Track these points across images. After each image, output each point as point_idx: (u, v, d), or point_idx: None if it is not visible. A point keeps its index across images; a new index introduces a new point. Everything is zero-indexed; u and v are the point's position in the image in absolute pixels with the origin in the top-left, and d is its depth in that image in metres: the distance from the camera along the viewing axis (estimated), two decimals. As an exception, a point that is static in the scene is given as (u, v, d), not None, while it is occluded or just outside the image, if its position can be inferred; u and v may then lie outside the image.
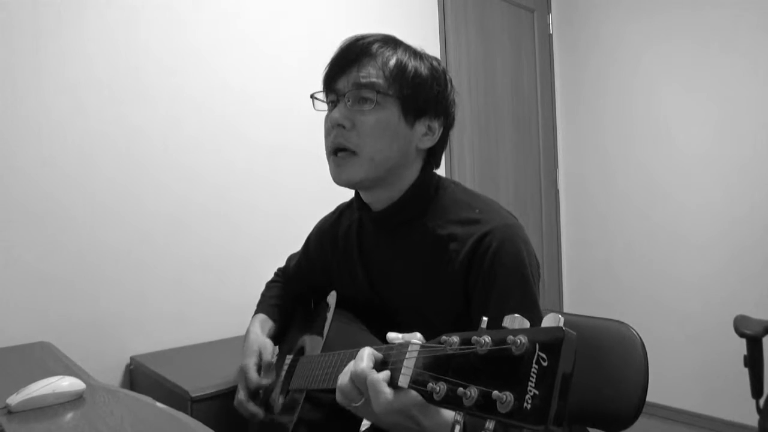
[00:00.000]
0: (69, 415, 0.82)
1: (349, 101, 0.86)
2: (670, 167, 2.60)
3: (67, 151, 1.45)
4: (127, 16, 1.55)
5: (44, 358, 1.19)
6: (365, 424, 0.95)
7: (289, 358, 1.10)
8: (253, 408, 1.01)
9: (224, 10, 1.75)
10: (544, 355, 0.41)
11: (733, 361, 1.72)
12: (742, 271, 2.39)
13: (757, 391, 1.53)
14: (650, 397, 1.04)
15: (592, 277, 2.93)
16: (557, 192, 3.03)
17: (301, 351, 1.06)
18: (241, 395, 1.02)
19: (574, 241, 3.00)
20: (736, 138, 2.40)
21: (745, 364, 1.53)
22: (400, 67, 0.86)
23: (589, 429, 1.11)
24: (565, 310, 3.01)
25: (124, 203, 1.54)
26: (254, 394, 1.04)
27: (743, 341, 1.53)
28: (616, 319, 1.15)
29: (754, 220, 2.36)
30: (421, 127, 0.89)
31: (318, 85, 0.93)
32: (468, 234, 0.84)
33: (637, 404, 1.03)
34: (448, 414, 0.61)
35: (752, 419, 1.59)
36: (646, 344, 1.07)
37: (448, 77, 0.92)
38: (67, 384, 0.88)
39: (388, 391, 0.57)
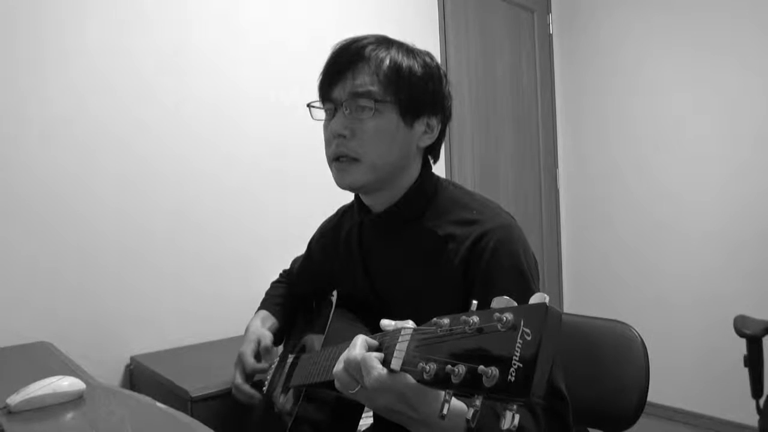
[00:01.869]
0: (69, 415, 0.82)
1: (347, 110, 0.86)
2: (670, 167, 2.60)
3: (68, 150, 1.45)
4: (130, 15, 1.55)
5: (44, 358, 1.19)
6: (364, 423, 0.95)
7: (290, 358, 1.10)
8: (249, 390, 1.03)
9: (227, 9, 1.75)
10: (528, 330, 0.42)
11: (733, 361, 1.72)
12: (742, 271, 2.39)
13: (757, 391, 1.53)
14: (650, 397, 1.04)
15: (592, 276, 2.93)
16: (557, 192, 3.03)
17: (303, 350, 1.06)
18: (238, 379, 1.04)
19: (574, 240, 3.00)
20: (737, 137, 2.40)
21: (745, 364, 1.53)
22: (394, 68, 0.86)
23: (590, 429, 1.11)
24: (565, 309, 3.01)
25: (125, 204, 1.54)
26: (250, 379, 1.05)
27: (743, 341, 1.53)
28: (616, 319, 1.15)
29: (754, 220, 2.36)
30: (420, 126, 0.89)
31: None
32: (465, 234, 0.85)
33: (637, 404, 1.03)
34: None
35: (752, 419, 1.59)
36: (646, 344, 1.07)
37: (442, 71, 0.92)
38: (67, 384, 0.88)
39: (380, 366, 0.58)
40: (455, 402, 0.62)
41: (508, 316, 0.44)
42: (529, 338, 0.42)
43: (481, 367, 0.43)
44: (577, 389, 1.02)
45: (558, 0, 2.97)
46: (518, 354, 0.42)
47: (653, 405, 2.57)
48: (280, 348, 1.17)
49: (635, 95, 2.70)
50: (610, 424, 1.06)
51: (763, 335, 1.52)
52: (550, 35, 2.98)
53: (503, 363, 0.43)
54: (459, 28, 2.49)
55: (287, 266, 1.30)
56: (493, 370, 0.43)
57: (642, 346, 1.07)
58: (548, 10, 2.97)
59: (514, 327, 0.43)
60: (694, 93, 2.50)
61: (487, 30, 2.63)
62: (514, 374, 0.41)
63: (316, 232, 1.18)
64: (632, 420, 1.03)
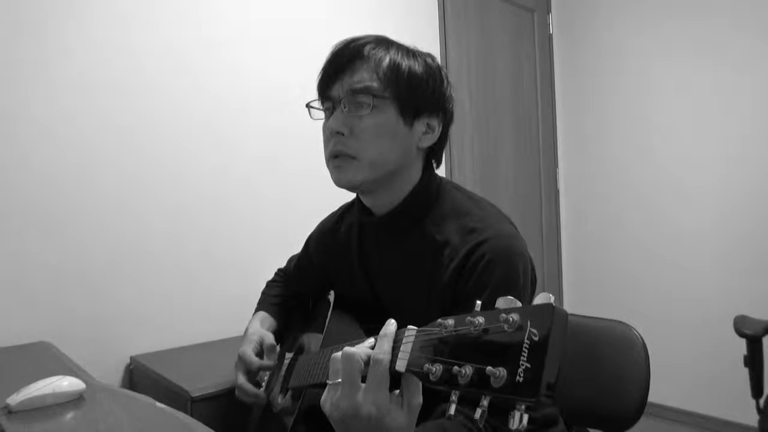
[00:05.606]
0: (69, 415, 0.82)
1: (345, 107, 0.85)
2: (670, 167, 2.60)
3: (69, 148, 1.45)
4: (134, 11, 1.55)
5: (44, 358, 1.19)
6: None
7: (288, 357, 1.10)
8: (253, 389, 1.01)
9: (228, 7, 1.75)
10: (535, 331, 0.42)
11: (733, 361, 1.72)
12: (742, 272, 2.39)
13: (757, 391, 1.53)
14: (650, 397, 1.04)
15: (592, 277, 2.93)
16: (557, 192, 3.02)
17: (300, 350, 1.06)
18: (240, 379, 1.02)
19: (574, 240, 3.00)
20: (738, 137, 2.39)
21: (745, 364, 1.53)
22: (394, 67, 0.85)
23: (590, 429, 1.10)
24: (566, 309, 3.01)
25: (125, 203, 1.54)
26: (254, 377, 1.04)
27: (743, 341, 1.53)
28: (616, 319, 1.15)
29: (754, 221, 2.36)
30: (420, 126, 0.89)
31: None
32: (463, 242, 0.83)
33: (638, 405, 1.03)
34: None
35: (752, 419, 1.59)
36: (646, 344, 1.07)
37: (443, 73, 0.92)
38: (67, 384, 0.88)
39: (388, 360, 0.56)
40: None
41: (514, 316, 0.44)
42: (536, 339, 0.42)
43: (489, 368, 0.44)
44: (577, 389, 1.02)
45: (558, 0, 2.98)
46: (526, 354, 0.42)
47: (653, 405, 2.57)
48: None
49: (635, 94, 2.70)
50: (611, 424, 1.06)
51: (763, 335, 1.52)
52: (550, 35, 2.98)
53: (511, 363, 0.43)
54: (459, 28, 2.49)
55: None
56: (501, 371, 0.43)
57: (643, 347, 1.07)
58: (548, 10, 2.97)
59: (521, 327, 0.43)
60: (695, 90, 2.50)
61: (487, 30, 2.63)
62: (522, 375, 0.42)
63: (315, 230, 1.17)
64: (633, 420, 1.03)
